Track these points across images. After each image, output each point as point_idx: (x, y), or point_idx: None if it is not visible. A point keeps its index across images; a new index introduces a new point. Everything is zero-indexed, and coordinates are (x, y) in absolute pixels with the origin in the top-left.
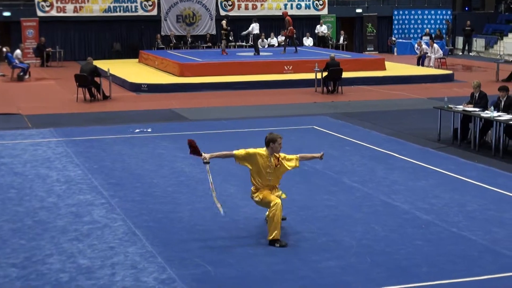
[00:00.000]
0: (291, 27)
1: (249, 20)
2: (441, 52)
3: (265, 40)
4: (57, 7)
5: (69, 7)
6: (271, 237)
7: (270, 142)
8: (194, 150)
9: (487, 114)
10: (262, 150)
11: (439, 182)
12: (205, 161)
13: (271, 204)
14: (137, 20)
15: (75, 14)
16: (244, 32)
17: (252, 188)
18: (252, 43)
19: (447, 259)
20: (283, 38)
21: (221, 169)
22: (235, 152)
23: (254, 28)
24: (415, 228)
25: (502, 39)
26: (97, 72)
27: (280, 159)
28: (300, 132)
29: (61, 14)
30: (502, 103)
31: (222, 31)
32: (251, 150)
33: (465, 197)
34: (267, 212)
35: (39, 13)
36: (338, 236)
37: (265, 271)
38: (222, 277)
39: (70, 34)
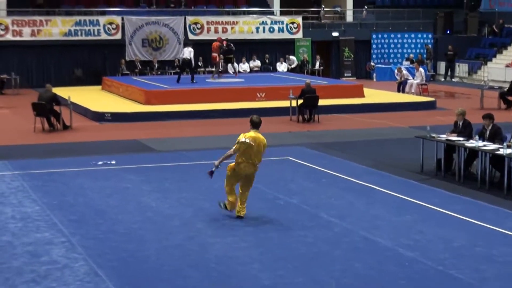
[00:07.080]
0: (214, 54)
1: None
2: (424, 77)
3: (236, 65)
4: (13, 30)
5: (26, 30)
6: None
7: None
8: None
9: (471, 143)
10: (253, 133)
11: (423, 217)
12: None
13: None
14: (100, 44)
15: (33, 38)
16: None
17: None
18: (178, 70)
19: None
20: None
21: None
22: (234, 150)
23: (185, 52)
24: (398, 266)
25: (486, 64)
26: (57, 100)
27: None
28: (275, 164)
29: (17, 38)
30: (488, 132)
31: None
32: (243, 144)
33: (451, 232)
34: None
35: None
36: (317, 276)
37: None
38: None
39: (27, 60)
